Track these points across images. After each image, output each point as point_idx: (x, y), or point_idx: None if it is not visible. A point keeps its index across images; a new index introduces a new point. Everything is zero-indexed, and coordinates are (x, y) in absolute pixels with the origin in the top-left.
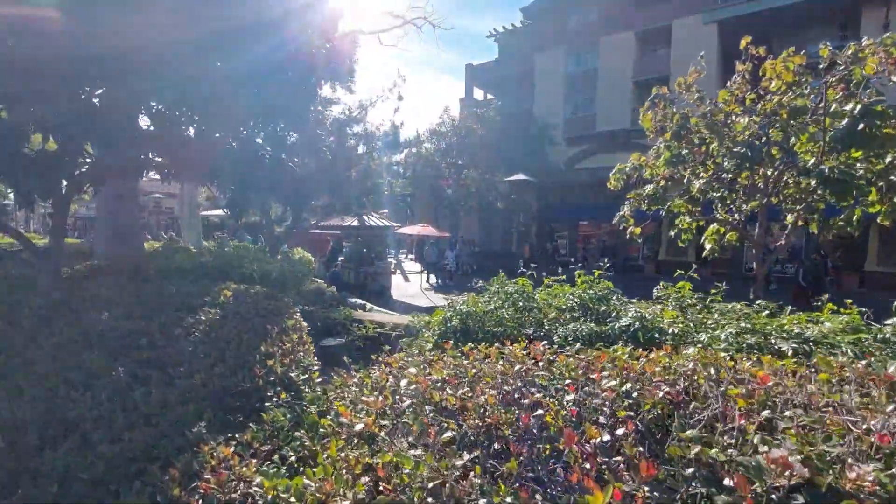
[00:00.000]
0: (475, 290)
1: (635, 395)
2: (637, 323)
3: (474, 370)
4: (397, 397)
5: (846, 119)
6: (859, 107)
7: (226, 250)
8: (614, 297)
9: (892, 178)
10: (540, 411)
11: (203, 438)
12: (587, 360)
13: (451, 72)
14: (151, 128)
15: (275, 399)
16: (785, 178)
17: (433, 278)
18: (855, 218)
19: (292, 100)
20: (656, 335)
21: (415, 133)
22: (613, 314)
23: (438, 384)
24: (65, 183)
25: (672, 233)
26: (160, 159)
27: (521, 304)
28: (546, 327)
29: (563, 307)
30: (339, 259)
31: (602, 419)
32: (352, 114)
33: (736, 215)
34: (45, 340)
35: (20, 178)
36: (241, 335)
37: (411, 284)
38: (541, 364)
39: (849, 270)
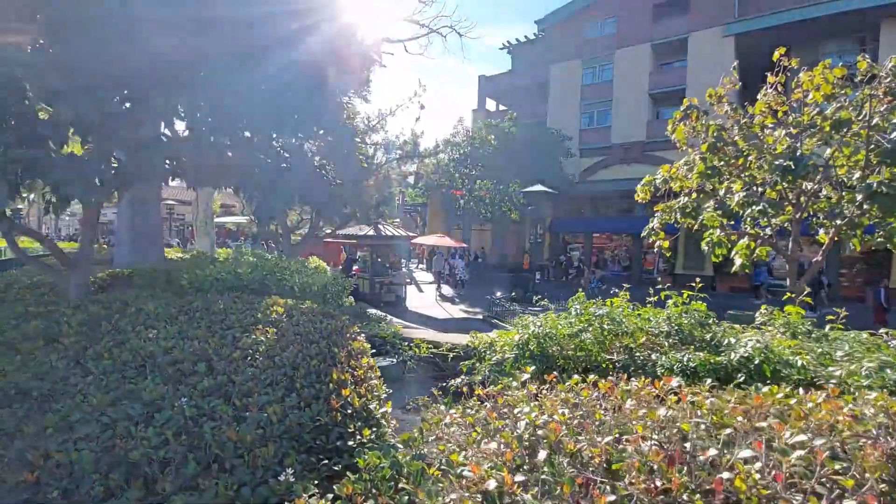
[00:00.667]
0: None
1: (840, 454)
2: (761, 354)
3: (603, 412)
4: (525, 444)
5: (893, 133)
6: None
7: (261, 260)
8: (710, 322)
9: None
10: (727, 474)
11: (292, 489)
12: (740, 404)
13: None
14: (186, 132)
15: (357, 437)
16: (823, 192)
17: (445, 288)
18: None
19: (321, 106)
20: (782, 369)
21: (433, 143)
22: (724, 342)
23: (569, 429)
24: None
25: (705, 247)
26: (187, 164)
27: (606, 327)
28: (637, 355)
29: (656, 332)
30: (354, 269)
31: (818, 488)
32: (371, 122)
33: (767, 230)
34: (92, 364)
35: (59, 179)
36: (307, 360)
37: (425, 295)
38: (683, 406)
39: (872, 286)
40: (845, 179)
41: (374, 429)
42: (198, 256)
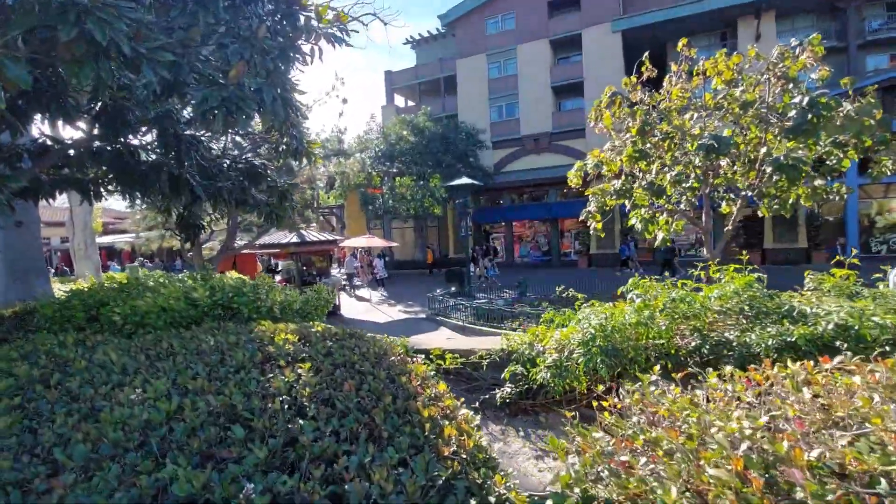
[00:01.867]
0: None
1: None
2: (858, 320)
3: (799, 406)
4: (758, 463)
5: (794, 111)
6: (807, 99)
7: (218, 281)
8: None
9: (828, 163)
10: None
11: None
12: None
13: (374, 79)
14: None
15: (493, 488)
16: (735, 168)
17: (364, 290)
18: (791, 199)
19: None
20: (881, 334)
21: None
22: (805, 312)
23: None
24: None
25: (636, 224)
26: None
27: (679, 310)
28: (713, 337)
29: (723, 310)
30: (277, 280)
31: None
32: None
33: (681, 205)
34: (61, 455)
35: None
36: (376, 397)
37: (354, 300)
38: (871, 385)
39: (752, 249)
40: (751, 155)
41: (499, 472)
42: (127, 282)
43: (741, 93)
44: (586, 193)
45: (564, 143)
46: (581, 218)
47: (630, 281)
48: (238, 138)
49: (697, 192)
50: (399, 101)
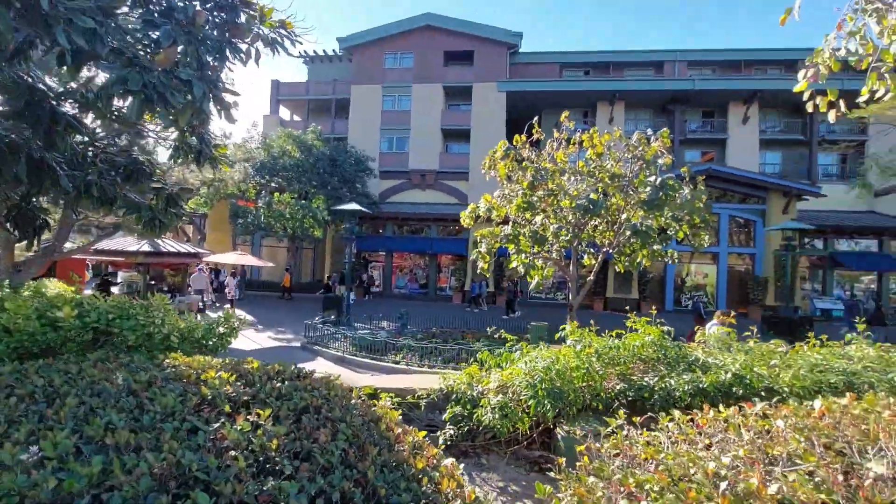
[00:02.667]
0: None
1: None
2: (749, 371)
3: (748, 445)
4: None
5: (649, 187)
6: (659, 180)
7: (87, 298)
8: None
9: (668, 232)
10: None
11: None
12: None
13: (253, 85)
14: None
15: None
16: (598, 227)
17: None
18: (639, 259)
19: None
20: (761, 382)
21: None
22: (706, 362)
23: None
24: None
25: (519, 267)
26: None
27: (607, 357)
28: (636, 381)
29: (643, 357)
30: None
31: None
32: None
33: (554, 255)
34: None
35: None
36: (362, 450)
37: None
38: (793, 425)
39: (598, 296)
40: (611, 218)
41: None
42: None
43: (611, 165)
44: (475, 234)
45: (449, 182)
46: (472, 257)
47: (567, 327)
48: (117, 125)
49: (569, 245)
50: (284, 113)
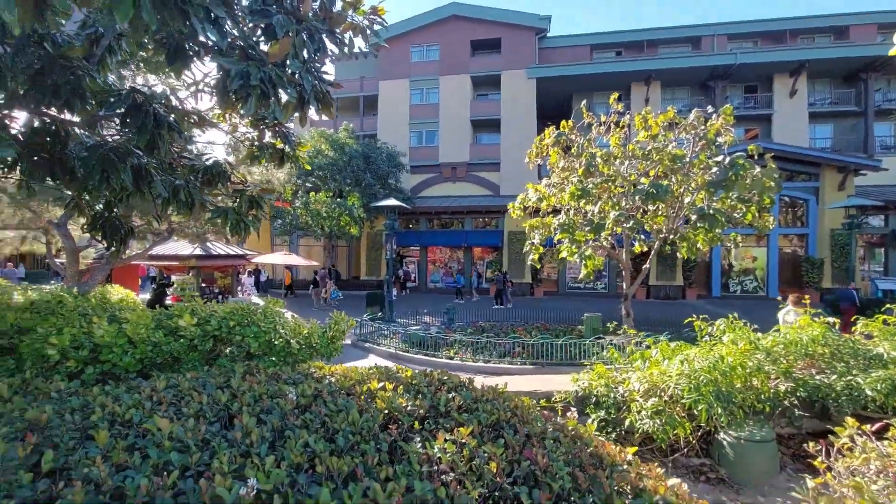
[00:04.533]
0: None
1: None
2: None
3: None
4: None
5: (714, 168)
6: (728, 159)
7: (205, 307)
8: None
9: (735, 215)
10: None
11: None
12: None
13: None
14: None
15: None
16: (659, 212)
17: None
18: (698, 245)
19: None
20: None
21: None
22: (870, 355)
23: None
24: None
25: (575, 258)
26: None
27: (774, 353)
28: (810, 381)
29: (813, 353)
30: (170, 298)
31: None
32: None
33: (604, 242)
34: None
35: None
36: (582, 469)
37: None
38: None
39: (640, 284)
40: (672, 202)
41: None
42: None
43: (671, 147)
44: (524, 225)
45: (480, 173)
46: (525, 249)
47: (721, 324)
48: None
49: (631, 232)
50: (311, 112)
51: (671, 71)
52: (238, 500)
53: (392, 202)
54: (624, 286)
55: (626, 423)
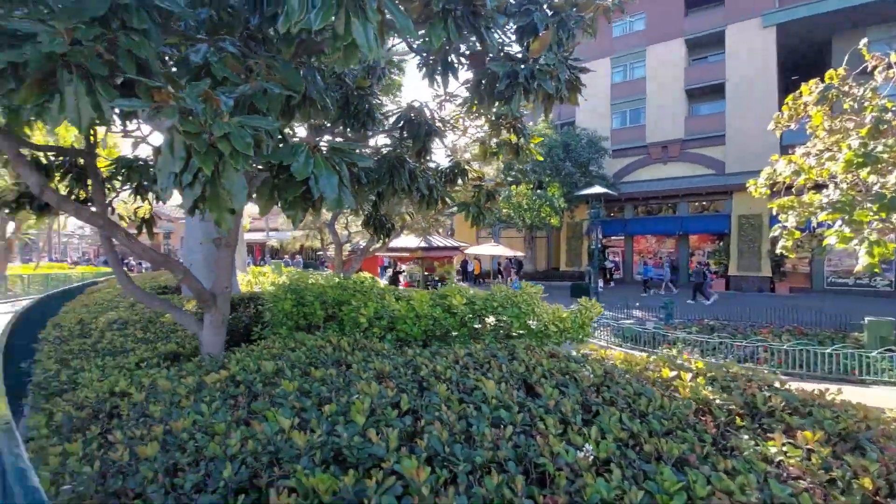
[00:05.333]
0: None
1: None
2: None
3: None
4: None
5: None
6: None
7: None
8: None
9: None
10: None
11: None
12: None
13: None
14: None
15: None
16: None
17: None
18: None
19: None
20: None
21: None
22: None
23: None
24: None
25: (857, 247)
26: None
27: None
28: None
29: None
30: (402, 283)
31: None
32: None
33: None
34: None
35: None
36: None
37: None
38: None
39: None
40: None
41: None
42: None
43: None
44: (770, 206)
45: (698, 150)
46: (774, 234)
47: None
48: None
49: None
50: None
51: None
52: (576, 461)
53: (596, 189)
54: None
55: None
